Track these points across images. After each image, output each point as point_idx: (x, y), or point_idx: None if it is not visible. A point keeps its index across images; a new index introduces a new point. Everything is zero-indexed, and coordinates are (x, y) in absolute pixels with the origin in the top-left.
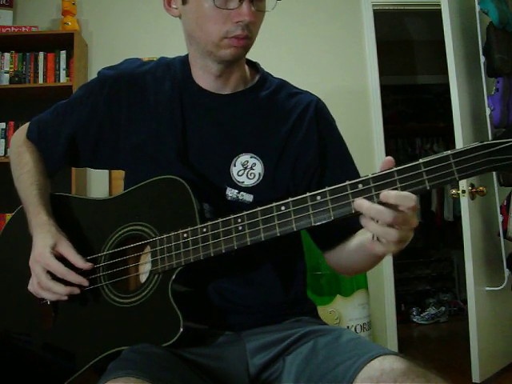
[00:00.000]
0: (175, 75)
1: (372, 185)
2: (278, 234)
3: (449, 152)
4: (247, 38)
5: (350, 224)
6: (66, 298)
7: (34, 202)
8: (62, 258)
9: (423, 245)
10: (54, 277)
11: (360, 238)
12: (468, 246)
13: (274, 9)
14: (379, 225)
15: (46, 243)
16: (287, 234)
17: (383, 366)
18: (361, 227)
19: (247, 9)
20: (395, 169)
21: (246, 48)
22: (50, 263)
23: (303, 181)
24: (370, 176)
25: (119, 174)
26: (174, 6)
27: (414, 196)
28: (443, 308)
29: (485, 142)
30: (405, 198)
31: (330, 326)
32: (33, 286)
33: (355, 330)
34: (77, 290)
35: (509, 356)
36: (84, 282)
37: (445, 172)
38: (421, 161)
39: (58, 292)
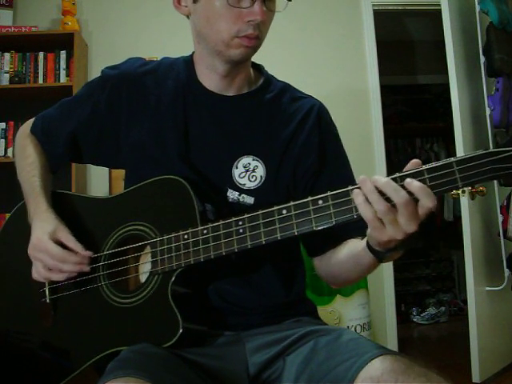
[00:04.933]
0: (178, 75)
1: None
2: (279, 238)
3: (452, 159)
4: (257, 38)
5: (342, 230)
6: (75, 274)
7: (35, 193)
8: (61, 245)
9: (423, 245)
10: None
11: (353, 245)
12: (468, 246)
13: (284, 9)
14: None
15: (44, 230)
16: (288, 237)
17: (384, 365)
18: (351, 236)
19: (259, 8)
20: (398, 175)
21: (255, 48)
22: (48, 248)
23: (301, 183)
24: None
25: (119, 174)
26: (183, 4)
27: (435, 198)
28: (443, 308)
29: (489, 150)
30: (428, 195)
31: (330, 326)
32: (38, 273)
33: (355, 330)
34: (86, 268)
35: (509, 356)
36: (86, 260)
37: (448, 179)
38: (424, 167)
39: (69, 270)
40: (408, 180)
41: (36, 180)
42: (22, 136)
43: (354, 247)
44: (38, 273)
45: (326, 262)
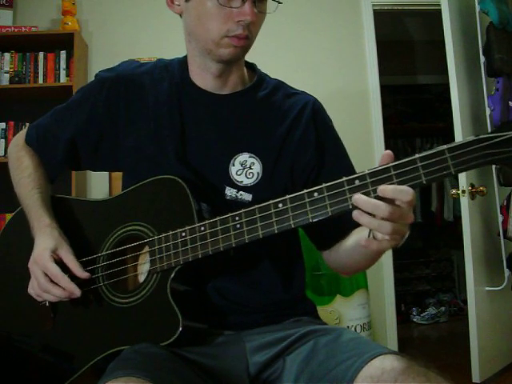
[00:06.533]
0: (173, 76)
1: (369, 180)
2: (276, 231)
3: (444, 146)
4: (247, 39)
5: (347, 222)
6: (66, 299)
7: (36, 206)
8: (61, 263)
9: (423, 245)
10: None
11: (356, 237)
12: (468, 245)
13: (275, 11)
14: (375, 218)
15: (46, 245)
16: (285, 230)
17: (384, 364)
18: (357, 225)
19: (249, 9)
20: (391, 164)
21: (245, 48)
22: (47, 266)
23: (300, 179)
24: (367, 172)
25: (119, 175)
26: (176, 3)
27: (410, 190)
28: (443, 308)
29: (480, 136)
30: (401, 192)
31: (330, 325)
32: (33, 289)
33: (355, 329)
34: (76, 293)
35: (509, 356)
36: (76, 290)
37: (441, 166)
38: (417, 155)
39: (56, 295)
40: (380, 188)
41: (36, 193)
42: (15, 148)
43: (359, 237)
44: (34, 289)
45: (335, 254)
